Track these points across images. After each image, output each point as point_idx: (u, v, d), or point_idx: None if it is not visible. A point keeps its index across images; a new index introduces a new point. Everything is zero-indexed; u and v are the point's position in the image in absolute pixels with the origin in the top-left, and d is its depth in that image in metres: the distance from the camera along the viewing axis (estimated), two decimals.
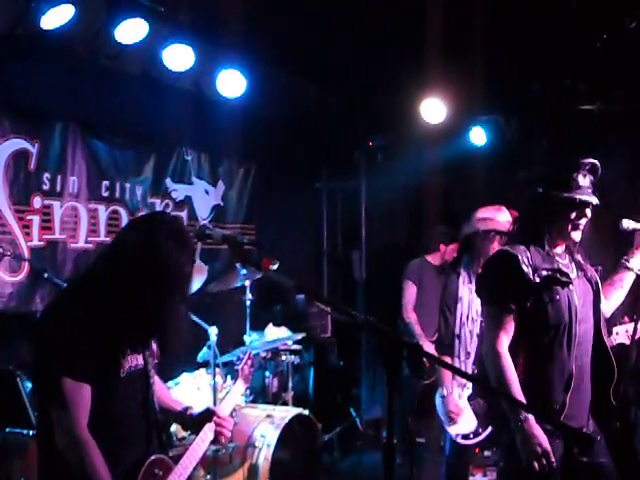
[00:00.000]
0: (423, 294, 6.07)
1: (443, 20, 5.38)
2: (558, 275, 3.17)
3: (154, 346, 2.82)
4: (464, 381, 4.55)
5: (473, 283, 4.59)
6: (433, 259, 6.20)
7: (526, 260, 3.17)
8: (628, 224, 3.36)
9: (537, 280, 3.15)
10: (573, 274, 3.27)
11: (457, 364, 4.52)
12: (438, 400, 4.65)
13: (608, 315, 3.49)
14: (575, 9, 4.99)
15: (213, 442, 2.98)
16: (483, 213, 4.49)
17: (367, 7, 5.29)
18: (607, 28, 5.28)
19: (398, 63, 6.00)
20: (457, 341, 4.58)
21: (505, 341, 3.18)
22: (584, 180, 3.21)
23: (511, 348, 3.18)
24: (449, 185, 7.32)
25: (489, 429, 4.42)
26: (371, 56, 5.97)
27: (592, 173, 3.25)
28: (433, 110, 6.70)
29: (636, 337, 3.50)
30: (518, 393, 3.07)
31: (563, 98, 6.24)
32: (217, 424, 2.93)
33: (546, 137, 6.67)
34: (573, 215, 3.19)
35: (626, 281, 3.45)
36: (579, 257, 3.35)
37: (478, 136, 6.97)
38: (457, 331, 4.59)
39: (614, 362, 3.24)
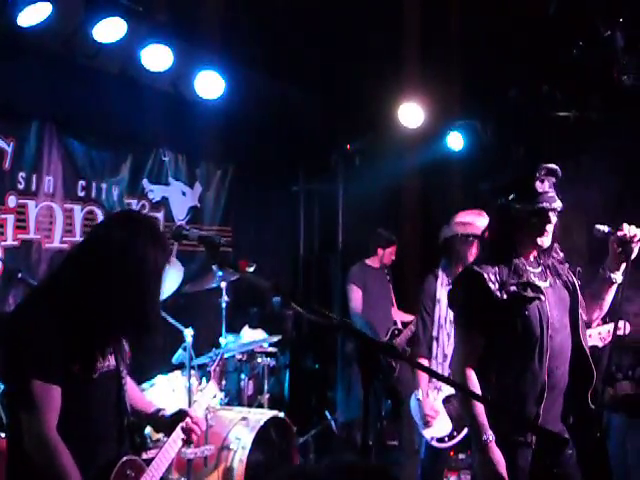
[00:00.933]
0: (369, 297, 6.23)
1: (421, 25, 5.42)
2: (528, 289, 3.13)
3: (126, 347, 2.80)
4: (439, 384, 4.57)
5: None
6: (372, 262, 6.40)
7: (492, 277, 3.14)
8: (600, 228, 3.31)
9: (504, 297, 3.11)
10: (545, 283, 3.22)
11: (434, 366, 4.54)
12: (413, 403, 4.66)
13: (594, 325, 3.49)
14: (552, 16, 5.04)
15: (185, 443, 2.96)
16: (463, 217, 4.52)
17: (346, 11, 5.31)
18: (583, 35, 5.33)
19: (376, 67, 6.03)
20: (435, 343, 4.60)
21: (471, 360, 3.15)
22: (543, 186, 3.17)
23: (483, 364, 3.15)
24: (427, 189, 7.36)
25: (464, 432, 4.45)
26: (350, 60, 5.98)
27: (551, 176, 3.21)
28: (411, 114, 6.73)
29: (610, 339, 3.50)
30: (481, 415, 3.04)
31: (540, 104, 6.30)
32: (189, 425, 2.91)
33: (522, 143, 6.72)
34: (537, 223, 3.16)
35: (608, 293, 3.35)
36: (553, 261, 3.31)
37: (455, 141, 7.02)
38: (435, 333, 4.61)
39: (592, 366, 3.21)
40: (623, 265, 3.25)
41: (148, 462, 2.80)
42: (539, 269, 3.26)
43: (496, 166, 6.56)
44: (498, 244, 3.25)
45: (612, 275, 3.27)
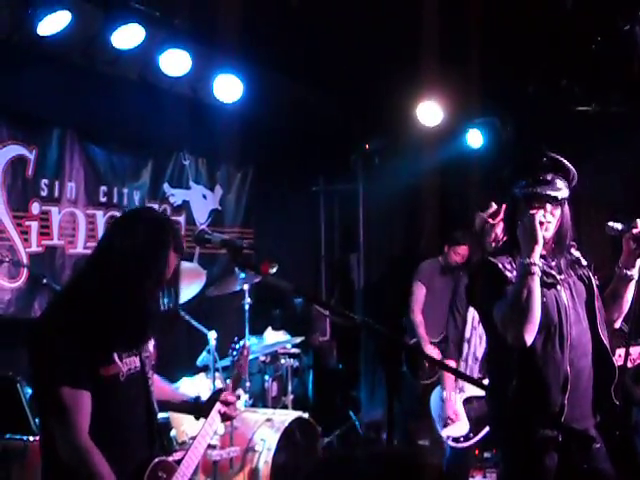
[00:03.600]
0: (430, 295, 6.12)
1: (439, 23, 5.39)
2: (543, 276, 3.07)
3: (151, 347, 2.82)
4: (462, 384, 4.55)
5: None
6: (441, 260, 6.25)
7: (508, 266, 3.11)
8: (613, 226, 3.23)
9: None
10: (560, 276, 3.17)
11: (462, 367, 4.51)
12: (436, 402, 4.65)
13: (617, 326, 3.38)
14: (570, 11, 5.01)
15: (222, 419, 2.99)
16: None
17: (364, 11, 5.31)
18: (602, 30, 5.29)
19: (395, 66, 6.01)
20: (466, 345, 4.56)
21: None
22: (545, 175, 3.13)
23: (505, 354, 3.11)
24: (446, 187, 7.33)
25: (481, 434, 4.44)
26: (368, 60, 5.98)
27: (558, 168, 3.17)
28: (430, 113, 6.72)
29: None
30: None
31: (559, 100, 6.27)
32: (223, 402, 2.94)
33: (542, 139, 6.68)
34: (533, 210, 3.08)
35: (627, 291, 3.27)
36: (568, 256, 3.26)
37: (475, 138, 6.99)
38: (467, 335, 4.57)
39: (614, 362, 3.17)
40: (639, 261, 3.20)
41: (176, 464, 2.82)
42: (553, 262, 3.21)
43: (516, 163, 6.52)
44: (511, 236, 3.22)
45: (629, 272, 3.21)
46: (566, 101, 6.24)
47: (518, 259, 3.07)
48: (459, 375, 4.42)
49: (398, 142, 7.32)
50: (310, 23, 5.52)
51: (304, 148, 7.33)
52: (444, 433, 4.55)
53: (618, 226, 3.24)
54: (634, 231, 3.15)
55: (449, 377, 4.56)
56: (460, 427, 4.51)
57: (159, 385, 2.94)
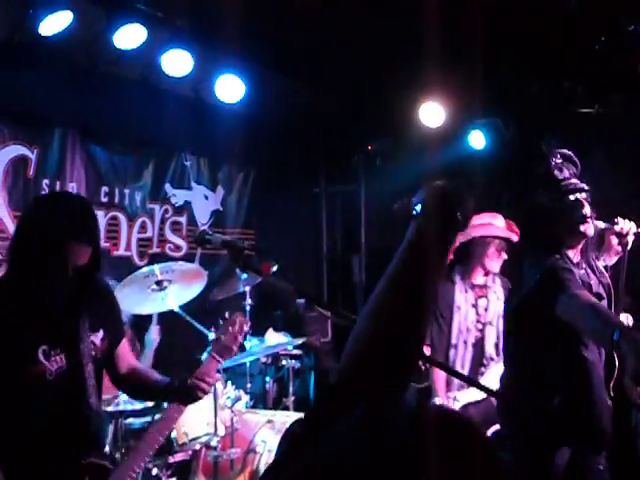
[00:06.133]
0: None
1: (441, 23, 5.38)
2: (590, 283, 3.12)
3: (97, 340, 2.69)
4: (454, 393, 4.48)
5: (469, 292, 4.56)
6: None
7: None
8: (596, 224, 3.24)
9: None
10: (592, 280, 3.18)
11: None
12: None
13: None
14: (573, 11, 5.00)
15: (191, 400, 2.88)
16: (478, 220, 4.45)
17: (365, 11, 5.30)
18: (605, 30, 5.28)
19: (396, 67, 6.00)
20: (453, 351, 4.51)
21: None
22: (563, 173, 3.14)
23: (546, 367, 3.06)
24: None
25: None
26: (369, 60, 5.97)
27: (569, 163, 3.20)
28: (432, 114, 6.70)
29: None
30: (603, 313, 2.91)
31: (562, 101, 6.25)
32: (199, 378, 2.86)
33: (545, 140, 6.67)
34: (572, 210, 3.09)
35: None
36: (592, 262, 3.26)
37: (477, 139, 6.98)
38: (454, 341, 4.52)
39: (617, 361, 3.10)
40: (616, 256, 3.33)
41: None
42: (582, 271, 3.19)
43: (519, 164, 6.52)
44: (543, 245, 3.17)
45: (606, 264, 3.34)
46: (569, 102, 6.22)
47: None
48: (456, 375, 4.35)
49: (400, 143, 7.31)
50: (312, 24, 5.51)
51: (306, 149, 7.32)
52: None
53: (601, 225, 3.28)
54: (616, 227, 3.22)
55: (440, 385, 4.46)
56: None
57: (138, 374, 2.90)
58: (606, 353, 3.12)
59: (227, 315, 3.11)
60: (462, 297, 4.52)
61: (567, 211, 3.12)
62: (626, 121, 6.08)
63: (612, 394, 3.12)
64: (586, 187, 3.15)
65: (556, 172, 3.14)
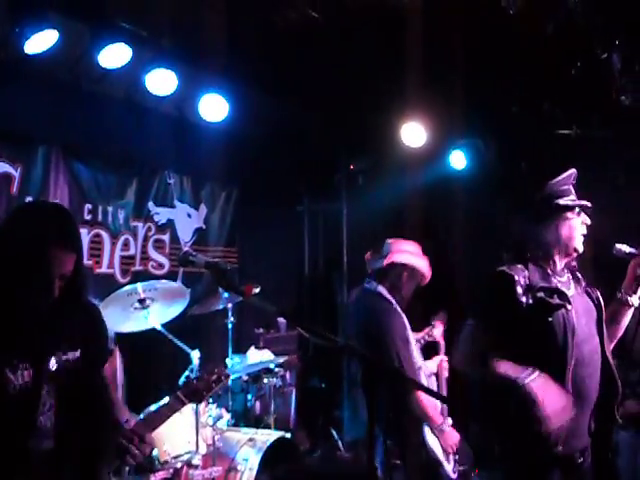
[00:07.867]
0: None
1: (423, 45, 5.47)
2: (555, 296, 3.04)
3: (73, 357, 2.55)
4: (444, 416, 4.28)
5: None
6: None
7: (522, 280, 3.05)
8: (621, 248, 3.22)
9: (530, 301, 3.02)
10: (571, 291, 3.13)
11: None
12: (431, 438, 4.21)
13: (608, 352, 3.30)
14: (551, 36, 5.09)
15: (120, 461, 2.61)
16: (399, 245, 4.44)
17: (348, 32, 5.37)
18: (581, 56, 5.38)
19: (379, 87, 6.08)
20: (420, 372, 4.30)
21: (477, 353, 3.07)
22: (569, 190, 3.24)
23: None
24: (430, 208, 7.38)
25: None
26: (352, 80, 6.04)
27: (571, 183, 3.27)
28: (414, 134, 6.78)
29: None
30: (506, 369, 2.94)
31: (541, 122, 6.35)
32: (126, 437, 2.58)
33: (524, 161, 6.76)
34: (574, 219, 3.15)
35: (624, 317, 3.25)
36: (578, 274, 3.24)
37: (458, 160, 7.06)
38: (419, 363, 4.33)
39: (618, 380, 3.12)
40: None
41: None
42: (565, 277, 3.19)
43: (499, 184, 6.60)
44: (532, 251, 3.18)
45: (629, 298, 3.20)
46: (548, 124, 6.32)
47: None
48: (436, 396, 4.15)
49: (382, 162, 7.37)
50: (295, 44, 5.58)
51: (289, 168, 7.37)
52: (448, 468, 4.22)
53: (626, 249, 3.24)
54: None
55: (434, 408, 4.16)
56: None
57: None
58: (610, 377, 3.12)
59: (210, 366, 3.07)
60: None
61: (573, 223, 3.17)
62: (604, 143, 6.18)
63: (618, 418, 3.13)
64: (585, 203, 3.19)
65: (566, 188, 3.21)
